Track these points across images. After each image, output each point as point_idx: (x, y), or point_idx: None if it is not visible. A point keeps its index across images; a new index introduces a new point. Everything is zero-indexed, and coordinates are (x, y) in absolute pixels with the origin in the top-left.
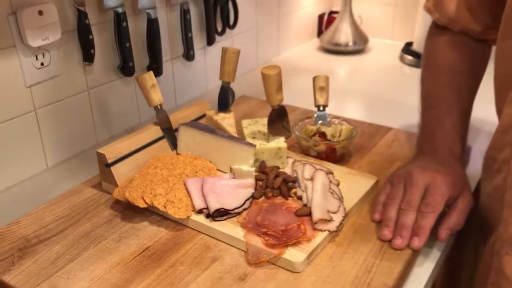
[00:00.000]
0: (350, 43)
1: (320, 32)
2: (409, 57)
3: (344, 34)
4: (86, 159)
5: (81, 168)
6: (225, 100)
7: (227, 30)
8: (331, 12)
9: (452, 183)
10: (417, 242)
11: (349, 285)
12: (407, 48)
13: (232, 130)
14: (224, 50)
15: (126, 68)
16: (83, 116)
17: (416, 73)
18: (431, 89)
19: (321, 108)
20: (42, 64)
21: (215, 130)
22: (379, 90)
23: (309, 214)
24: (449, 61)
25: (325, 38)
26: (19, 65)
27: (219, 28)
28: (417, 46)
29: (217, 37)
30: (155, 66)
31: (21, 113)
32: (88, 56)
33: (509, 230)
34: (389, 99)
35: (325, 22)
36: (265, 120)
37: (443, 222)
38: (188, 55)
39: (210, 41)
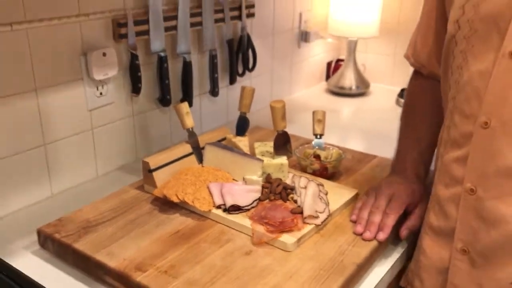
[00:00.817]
0: (354, 87)
1: (328, 77)
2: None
3: (348, 79)
4: (127, 170)
5: (123, 177)
6: (242, 126)
7: (247, 72)
8: (338, 60)
9: (411, 194)
10: (381, 235)
11: (327, 261)
12: (402, 93)
13: (246, 149)
14: (243, 88)
15: (164, 100)
16: (128, 136)
17: None
18: (406, 123)
19: (318, 136)
20: (101, 93)
21: (232, 148)
22: (376, 127)
23: (301, 212)
24: (420, 101)
25: (332, 82)
26: (84, 94)
27: (240, 71)
28: None
29: (238, 78)
30: (187, 99)
31: (82, 130)
32: (136, 89)
33: (429, 214)
34: (384, 134)
35: (332, 68)
36: (272, 143)
37: (403, 224)
38: (214, 91)
39: (232, 81)
